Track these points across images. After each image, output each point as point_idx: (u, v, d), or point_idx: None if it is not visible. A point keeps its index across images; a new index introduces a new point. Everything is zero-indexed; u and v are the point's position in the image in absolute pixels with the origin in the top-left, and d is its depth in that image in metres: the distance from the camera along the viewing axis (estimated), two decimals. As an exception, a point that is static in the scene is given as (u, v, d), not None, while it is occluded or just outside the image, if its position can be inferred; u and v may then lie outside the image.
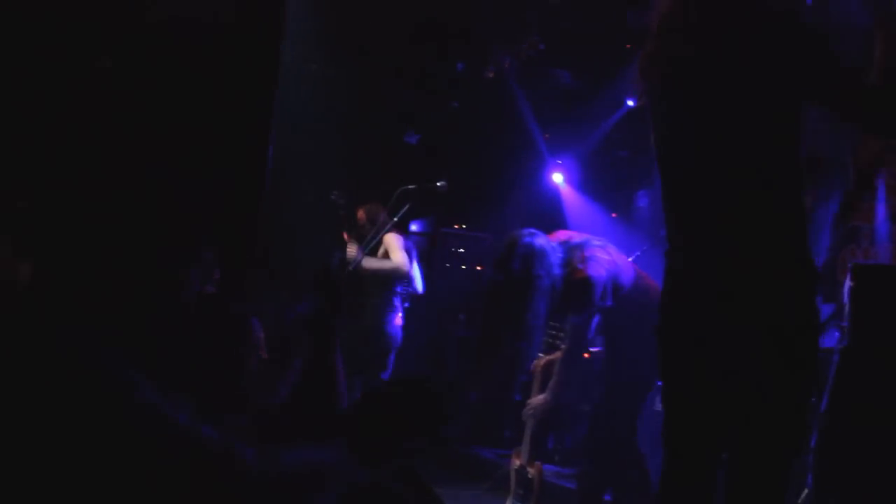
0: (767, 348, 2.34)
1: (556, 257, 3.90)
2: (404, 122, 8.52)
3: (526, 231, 3.97)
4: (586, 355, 6.95)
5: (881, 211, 5.16)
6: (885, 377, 3.32)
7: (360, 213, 5.76)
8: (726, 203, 2.39)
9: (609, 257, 3.94)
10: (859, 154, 3.72)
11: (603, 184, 8.01)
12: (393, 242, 5.59)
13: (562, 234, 4.11)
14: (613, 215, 7.82)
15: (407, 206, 4.82)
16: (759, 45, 2.31)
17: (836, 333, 3.61)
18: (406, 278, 5.62)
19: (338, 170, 7.75)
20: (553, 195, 8.18)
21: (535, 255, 3.84)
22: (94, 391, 1.14)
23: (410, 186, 4.88)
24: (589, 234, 4.15)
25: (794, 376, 2.36)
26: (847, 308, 3.48)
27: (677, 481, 2.55)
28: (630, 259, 5.25)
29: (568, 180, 8.09)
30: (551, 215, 7.78)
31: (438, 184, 5.05)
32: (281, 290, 6.09)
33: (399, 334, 5.73)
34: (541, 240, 3.92)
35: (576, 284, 3.84)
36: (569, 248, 3.98)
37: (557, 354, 4.34)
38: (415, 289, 5.99)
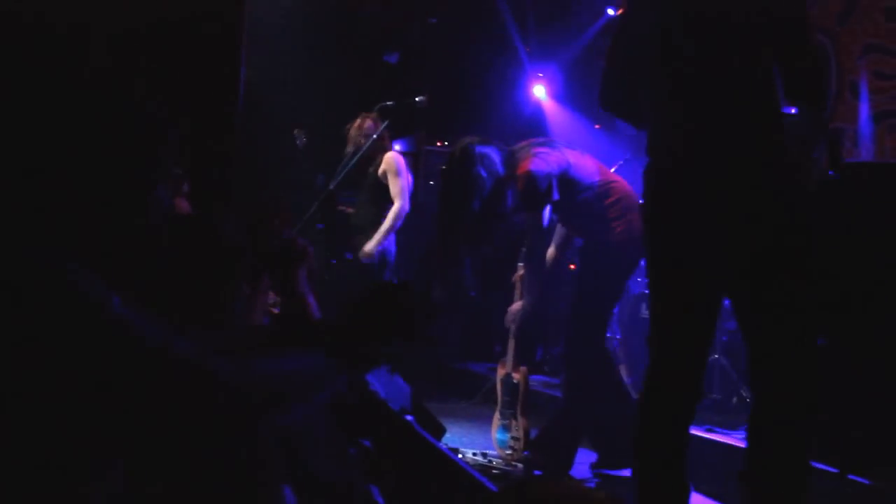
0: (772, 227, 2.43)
1: (498, 158, 4.01)
2: (384, 41, 8.38)
3: (470, 137, 4.08)
4: (572, 266, 7.00)
5: (864, 111, 5.16)
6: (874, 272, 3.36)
7: (359, 123, 5.58)
8: (724, 109, 2.47)
9: (560, 154, 3.99)
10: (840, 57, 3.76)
11: (585, 95, 7.93)
12: (393, 166, 5.48)
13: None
14: (597, 126, 7.77)
15: (386, 123, 4.76)
16: None
17: None
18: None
19: (316, 92, 7.65)
20: (536, 108, 8.10)
21: (474, 157, 3.97)
22: (63, 307, 1.13)
23: (389, 103, 4.81)
24: (557, 140, 4.27)
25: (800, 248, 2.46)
26: None
27: (666, 384, 2.56)
28: (613, 169, 5.29)
29: (550, 92, 8.00)
30: (535, 129, 7.71)
31: (417, 99, 4.97)
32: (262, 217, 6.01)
33: (393, 251, 5.72)
34: (484, 146, 4.02)
35: (518, 179, 3.93)
36: (516, 148, 4.09)
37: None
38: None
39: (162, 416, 1.15)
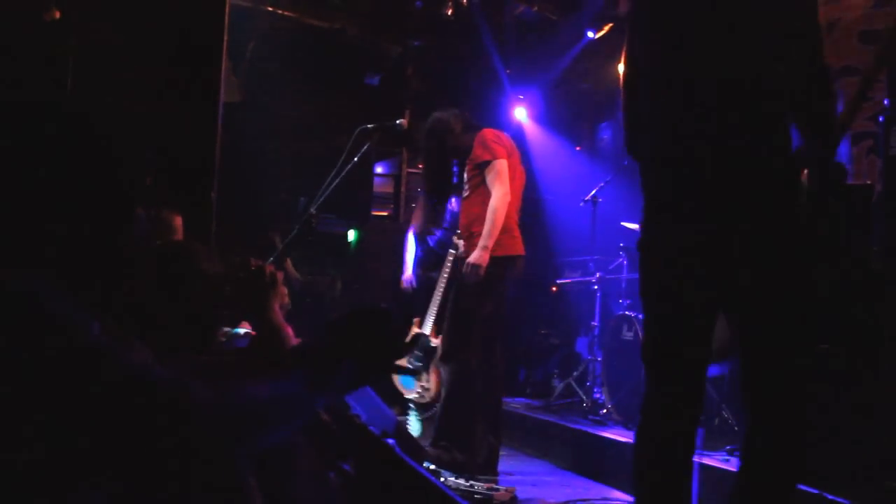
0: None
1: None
2: (365, 64, 8.41)
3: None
4: (553, 289, 7.01)
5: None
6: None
7: None
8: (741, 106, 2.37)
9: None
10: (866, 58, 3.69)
11: (566, 117, 7.97)
12: None
13: None
14: (577, 148, 7.81)
15: (367, 146, 4.75)
16: None
17: None
18: None
19: (299, 114, 7.66)
20: (517, 131, 8.14)
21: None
22: (41, 333, 1.12)
23: (369, 126, 4.80)
24: None
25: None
26: None
27: (671, 396, 2.44)
28: (594, 192, 5.57)
29: (531, 115, 8.04)
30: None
31: (397, 122, 4.97)
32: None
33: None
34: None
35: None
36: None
37: None
38: None
39: (140, 442, 1.14)
